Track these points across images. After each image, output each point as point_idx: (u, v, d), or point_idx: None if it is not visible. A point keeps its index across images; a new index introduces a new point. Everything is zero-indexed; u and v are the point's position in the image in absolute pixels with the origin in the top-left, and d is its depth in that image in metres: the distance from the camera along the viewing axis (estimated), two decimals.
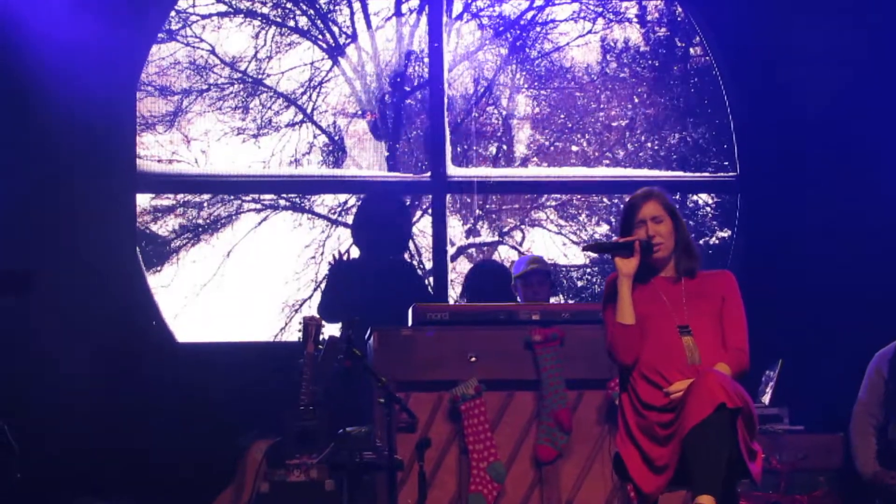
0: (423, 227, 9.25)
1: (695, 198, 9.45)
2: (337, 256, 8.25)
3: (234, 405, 8.06)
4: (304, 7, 9.35)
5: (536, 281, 7.92)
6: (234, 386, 8.22)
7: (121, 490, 7.69)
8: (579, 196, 9.37)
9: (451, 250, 9.13)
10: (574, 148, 9.48)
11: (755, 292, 8.55)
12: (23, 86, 8.42)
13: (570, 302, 8.97)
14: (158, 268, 9.08)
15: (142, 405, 8.28)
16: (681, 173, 9.39)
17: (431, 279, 9.00)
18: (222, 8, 9.29)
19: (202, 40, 9.25)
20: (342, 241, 9.02)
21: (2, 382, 7.94)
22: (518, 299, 7.98)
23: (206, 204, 9.25)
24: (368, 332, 7.19)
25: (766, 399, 7.58)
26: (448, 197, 9.10)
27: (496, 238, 9.46)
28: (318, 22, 9.37)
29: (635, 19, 9.57)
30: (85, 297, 8.35)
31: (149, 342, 8.69)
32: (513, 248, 9.44)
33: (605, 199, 9.56)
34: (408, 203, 9.02)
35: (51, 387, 8.10)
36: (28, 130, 8.45)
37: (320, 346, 6.94)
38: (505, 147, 9.48)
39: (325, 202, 9.33)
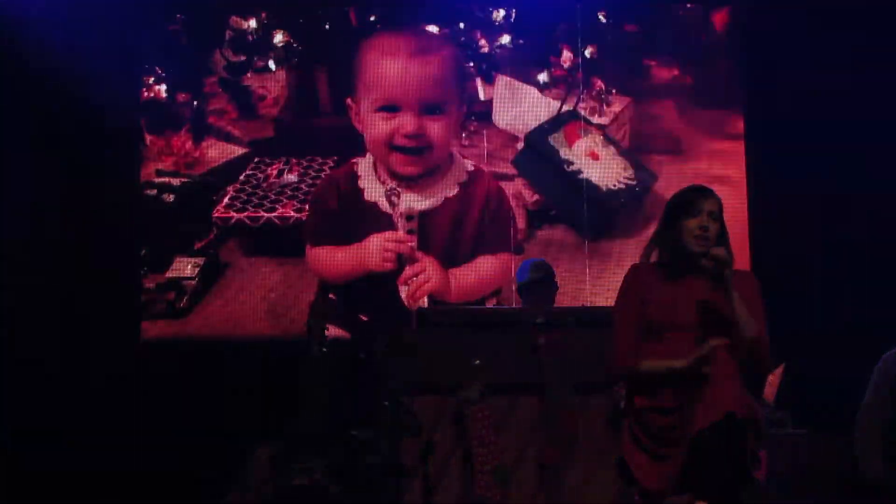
0: None
1: None
2: None
3: (239, 408, 8.08)
4: None
5: (539, 289, 7.93)
6: (239, 389, 8.25)
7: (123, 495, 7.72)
8: None
9: None
10: None
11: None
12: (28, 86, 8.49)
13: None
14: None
15: (144, 406, 8.29)
16: None
17: None
18: None
19: None
20: None
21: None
22: (522, 304, 7.99)
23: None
24: (374, 335, 7.19)
25: (770, 401, 7.59)
26: None
27: None
28: None
29: None
30: (88, 293, 8.40)
31: (149, 339, 8.72)
32: None
33: None
34: None
35: (50, 386, 8.12)
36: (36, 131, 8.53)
37: (325, 349, 6.93)
38: None
39: None
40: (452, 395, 7.01)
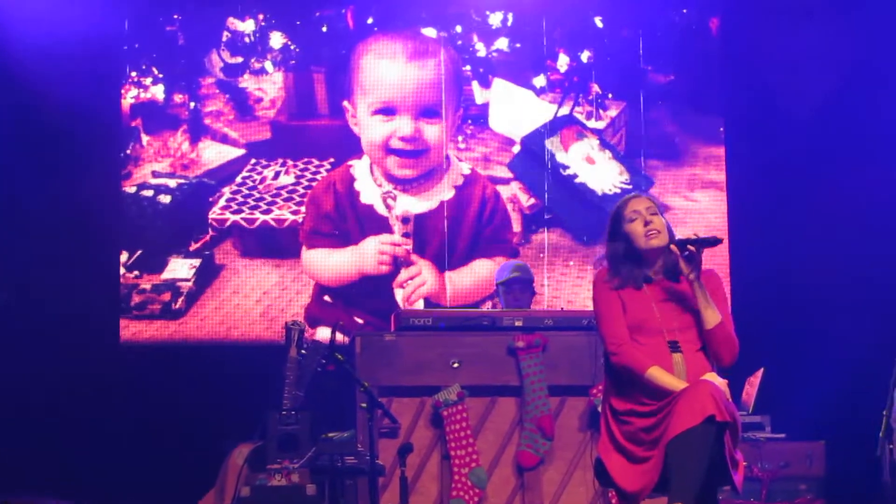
0: None
1: None
2: None
3: (215, 408, 8.10)
4: None
5: (519, 289, 7.91)
6: (216, 388, 8.27)
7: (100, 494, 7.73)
8: None
9: None
10: None
11: (738, 300, 8.57)
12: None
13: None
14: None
15: (122, 407, 8.33)
16: None
17: None
18: None
19: None
20: None
21: None
22: (500, 305, 7.98)
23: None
24: (352, 336, 7.21)
25: (749, 407, 7.57)
26: None
27: None
28: None
29: None
30: (73, 296, 8.45)
31: (130, 341, 8.77)
32: None
33: None
34: None
35: (32, 388, 8.16)
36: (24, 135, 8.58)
37: (303, 351, 6.93)
38: None
39: None
40: (431, 396, 7.05)
